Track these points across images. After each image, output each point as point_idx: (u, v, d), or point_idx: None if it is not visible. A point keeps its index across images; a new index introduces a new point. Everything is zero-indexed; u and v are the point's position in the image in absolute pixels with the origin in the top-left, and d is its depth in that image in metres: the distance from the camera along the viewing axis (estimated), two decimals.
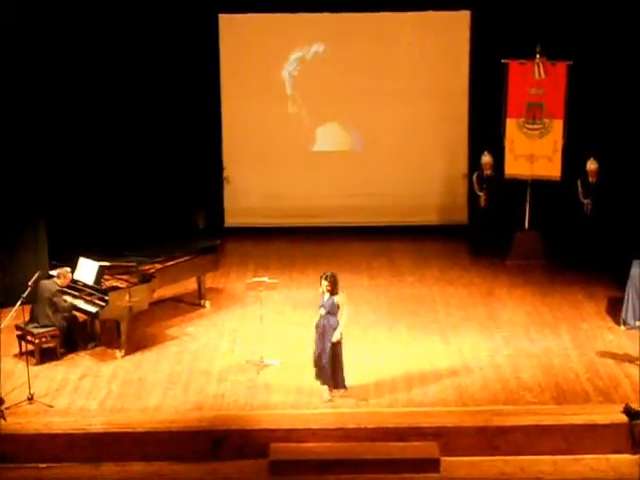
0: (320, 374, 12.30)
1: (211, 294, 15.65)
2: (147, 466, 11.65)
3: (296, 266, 16.63)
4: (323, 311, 12.16)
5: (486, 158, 17.33)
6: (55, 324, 13.50)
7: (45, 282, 13.62)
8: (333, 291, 12.18)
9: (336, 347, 12.23)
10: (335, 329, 12.16)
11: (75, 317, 13.84)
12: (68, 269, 13.78)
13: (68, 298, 13.74)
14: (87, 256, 14.01)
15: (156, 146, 17.84)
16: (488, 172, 17.36)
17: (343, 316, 12.26)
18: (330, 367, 12.24)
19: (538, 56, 16.48)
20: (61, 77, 16.63)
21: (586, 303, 15.36)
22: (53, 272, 13.92)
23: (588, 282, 16.05)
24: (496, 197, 17.34)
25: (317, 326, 12.24)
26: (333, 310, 12.17)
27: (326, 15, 18.15)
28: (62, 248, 15.23)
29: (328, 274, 12.23)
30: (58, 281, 13.67)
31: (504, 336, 14.18)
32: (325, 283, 12.16)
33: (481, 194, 17.46)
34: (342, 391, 12.43)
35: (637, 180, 16.96)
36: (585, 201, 16.78)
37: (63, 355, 13.61)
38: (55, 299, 13.51)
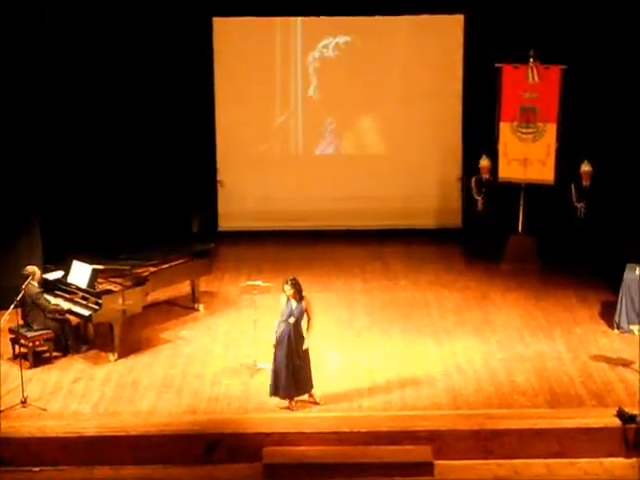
0: (281, 387, 12.15)
1: (205, 298, 15.63)
2: (140, 470, 11.63)
3: (290, 269, 16.48)
4: (293, 320, 12.07)
5: (484, 162, 17.24)
6: (48, 326, 13.49)
7: (27, 287, 13.40)
8: (298, 296, 12.11)
9: (307, 352, 12.22)
10: (302, 335, 12.11)
11: (68, 320, 13.82)
12: (33, 266, 13.71)
13: (60, 301, 13.74)
14: (81, 259, 13.99)
15: (150, 149, 17.83)
16: (486, 176, 17.32)
17: (309, 320, 12.17)
18: (302, 373, 12.16)
19: (532, 60, 16.50)
20: (56, 80, 16.57)
21: (580, 307, 15.36)
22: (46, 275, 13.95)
23: (582, 286, 16.06)
24: (491, 201, 17.33)
25: (287, 335, 12.03)
26: (301, 317, 12.11)
27: (320, 19, 18.17)
28: (56, 251, 15.26)
29: (290, 279, 12.12)
30: (34, 282, 13.59)
31: (498, 339, 14.19)
32: (287, 287, 12.05)
33: (479, 198, 17.44)
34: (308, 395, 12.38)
35: (630, 184, 16.98)
36: (579, 205, 16.79)
37: (56, 358, 13.59)
38: (38, 301, 13.48)
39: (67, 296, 13.89)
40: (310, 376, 12.29)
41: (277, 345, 12.12)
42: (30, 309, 13.49)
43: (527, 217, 17.21)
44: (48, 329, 13.50)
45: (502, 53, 16.64)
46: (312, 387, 12.32)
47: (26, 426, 11.87)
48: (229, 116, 18.50)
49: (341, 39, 18.28)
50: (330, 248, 18.03)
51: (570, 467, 11.65)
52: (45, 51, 15.79)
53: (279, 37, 18.37)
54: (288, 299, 12.13)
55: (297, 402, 12.27)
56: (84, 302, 13.70)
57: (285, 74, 18.50)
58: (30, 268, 13.65)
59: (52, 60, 16.33)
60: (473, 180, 17.49)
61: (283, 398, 12.22)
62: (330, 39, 18.34)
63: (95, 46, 17.17)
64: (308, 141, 18.86)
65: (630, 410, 11.91)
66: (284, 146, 18.83)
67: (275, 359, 12.15)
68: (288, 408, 12.22)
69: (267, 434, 11.75)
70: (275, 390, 12.21)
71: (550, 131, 16.71)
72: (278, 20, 18.17)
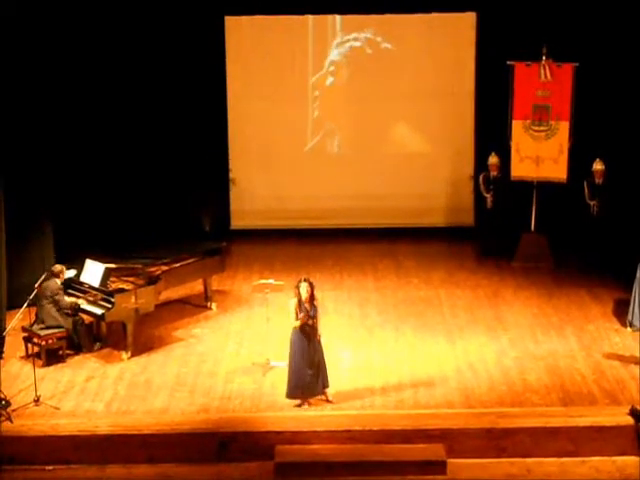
0: (307, 386, 12.21)
1: (217, 296, 15.65)
2: (153, 468, 11.65)
3: (302, 268, 16.58)
4: (311, 321, 12.04)
5: (493, 159, 17.31)
6: (62, 324, 13.53)
7: (47, 282, 13.59)
8: (314, 296, 12.10)
9: (322, 347, 12.25)
10: (317, 330, 12.13)
11: (81, 319, 13.86)
12: (62, 265, 13.85)
13: (72, 298, 13.77)
14: (93, 258, 14.02)
15: (162, 148, 17.87)
16: (494, 173, 17.35)
17: (320, 316, 12.21)
18: (323, 368, 12.23)
19: (544, 58, 16.47)
20: (66, 80, 16.64)
21: (592, 305, 15.34)
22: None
23: (594, 284, 16.03)
24: (503, 199, 17.33)
25: (308, 337, 12.08)
26: (317, 316, 12.11)
27: (332, 17, 18.19)
28: (69, 250, 15.30)
29: (305, 279, 12.10)
30: (58, 280, 13.69)
31: (510, 338, 14.17)
32: (304, 288, 11.97)
33: (487, 195, 17.45)
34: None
35: None
36: (591, 203, 16.77)
37: (69, 357, 13.63)
38: (57, 297, 13.53)
39: (80, 295, 13.92)
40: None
41: (300, 349, 12.13)
42: (47, 303, 13.53)
43: (539, 215, 17.17)
44: (61, 326, 13.54)
45: (514, 51, 16.61)
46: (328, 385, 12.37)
47: (39, 424, 11.90)
48: (241, 114, 18.52)
49: (354, 38, 18.27)
50: (342, 246, 18.04)
51: (582, 465, 11.63)
52: (54, 51, 15.81)
53: (291, 35, 18.37)
54: (300, 301, 12.08)
55: (310, 400, 12.29)
56: (96, 300, 13.73)
57: (297, 72, 18.50)
58: (59, 266, 13.78)
59: (63, 61, 16.39)
60: (481, 177, 17.53)
61: (316, 395, 12.25)
62: (343, 38, 18.35)
63: (107, 45, 17.21)
64: (320, 139, 18.84)
65: None
66: (296, 145, 18.81)
67: (299, 361, 12.13)
68: (301, 405, 12.24)
69: (279, 432, 11.75)
70: (303, 390, 12.20)
71: (563, 129, 16.68)
72: (290, 18, 18.15)
